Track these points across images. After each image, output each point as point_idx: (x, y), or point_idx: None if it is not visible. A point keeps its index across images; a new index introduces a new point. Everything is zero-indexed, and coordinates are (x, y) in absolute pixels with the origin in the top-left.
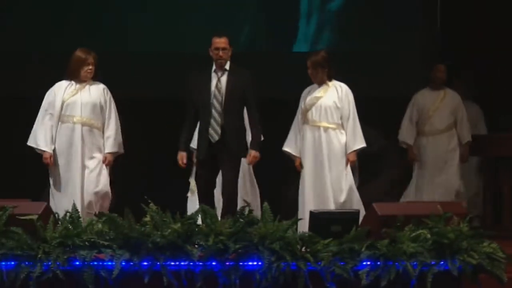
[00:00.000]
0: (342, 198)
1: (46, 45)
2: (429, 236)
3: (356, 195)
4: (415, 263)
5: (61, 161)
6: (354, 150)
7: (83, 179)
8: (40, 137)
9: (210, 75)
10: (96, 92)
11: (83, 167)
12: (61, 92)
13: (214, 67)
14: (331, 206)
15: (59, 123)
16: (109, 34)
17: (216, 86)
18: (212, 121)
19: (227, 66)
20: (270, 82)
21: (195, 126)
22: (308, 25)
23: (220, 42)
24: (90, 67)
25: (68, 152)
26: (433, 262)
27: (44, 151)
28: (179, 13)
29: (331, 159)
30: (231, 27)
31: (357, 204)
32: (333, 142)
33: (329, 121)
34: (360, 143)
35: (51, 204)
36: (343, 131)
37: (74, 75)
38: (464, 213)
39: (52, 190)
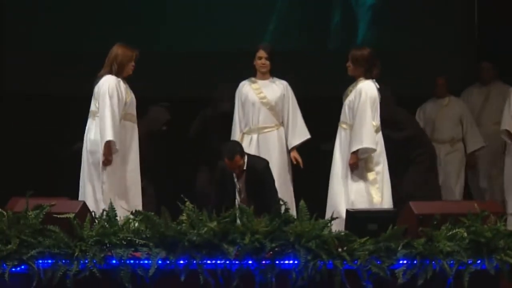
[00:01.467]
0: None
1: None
2: (466, 235)
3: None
4: (451, 262)
5: (118, 159)
6: (352, 152)
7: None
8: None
9: (231, 175)
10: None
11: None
12: (121, 88)
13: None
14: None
15: (121, 120)
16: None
17: (236, 187)
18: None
19: (245, 167)
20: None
21: None
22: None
23: (233, 163)
24: (133, 63)
25: (126, 150)
26: (470, 261)
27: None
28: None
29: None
30: (258, 23)
31: None
32: (343, 143)
33: (345, 121)
34: (357, 144)
35: (102, 202)
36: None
37: (119, 71)
38: (501, 212)
39: (106, 188)
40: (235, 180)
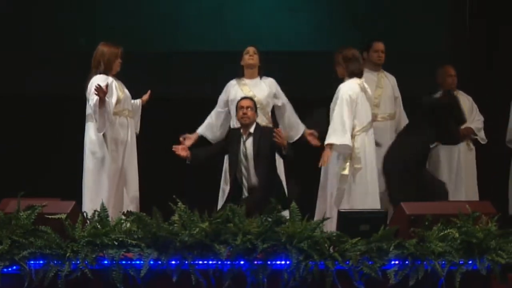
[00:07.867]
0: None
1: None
2: (457, 235)
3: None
4: (443, 262)
5: (115, 155)
6: (326, 145)
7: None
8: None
9: (239, 136)
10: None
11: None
12: (113, 85)
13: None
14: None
15: (117, 117)
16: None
17: (242, 151)
18: (243, 179)
19: (252, 129)
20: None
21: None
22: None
23: (245, 102)
24: (120, 60)
25: (123, 146)
26: (461, 262)
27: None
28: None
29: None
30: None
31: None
32: None
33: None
34: (329, 139)
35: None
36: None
37: (107, 69)
38: (493, 213)
39: (104, 185)
40: (243, 139)
